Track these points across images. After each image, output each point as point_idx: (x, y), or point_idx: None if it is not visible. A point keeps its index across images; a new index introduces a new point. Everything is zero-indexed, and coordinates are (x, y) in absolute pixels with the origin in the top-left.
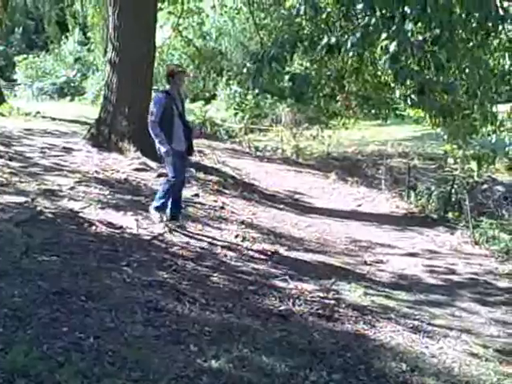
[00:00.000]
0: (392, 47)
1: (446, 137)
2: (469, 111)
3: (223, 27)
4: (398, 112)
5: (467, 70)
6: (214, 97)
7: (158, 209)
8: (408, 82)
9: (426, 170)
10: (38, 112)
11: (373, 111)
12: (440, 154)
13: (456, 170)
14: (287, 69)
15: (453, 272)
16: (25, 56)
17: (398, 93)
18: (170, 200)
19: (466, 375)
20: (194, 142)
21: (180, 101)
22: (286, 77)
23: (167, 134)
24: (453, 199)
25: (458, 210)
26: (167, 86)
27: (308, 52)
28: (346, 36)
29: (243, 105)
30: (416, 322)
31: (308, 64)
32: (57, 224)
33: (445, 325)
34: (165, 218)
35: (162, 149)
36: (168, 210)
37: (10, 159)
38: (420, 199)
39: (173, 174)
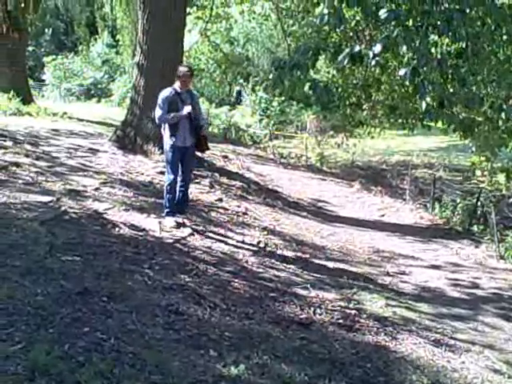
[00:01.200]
0: (415, 61)
1: (474, 148)
2: (497, 124)
3: (251, 33)
4: (424, 122)
5: (494, 84)
6: (239, 102)
7: (169, 214)
8: (430, 95)
9: (452, 181)
10: (65, 113)
11: (399, 121)
12: (466, 165)
13: (483, 182)
14: (313, 76)
15: (476, 286)
16: (54, 57)
17: (424, 104)
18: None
19: None
20: (220, 146)
21: (190, 97)
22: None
23: (171, 129)
24: (478, 212)
25: (483, 223)
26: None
27: (333, 60)
28: (370, 46)
29: (268, 111)
30: (438, 336)
31: (334, 72)
32: (81, 224)
33: (467, 339)
34: (180, 221)
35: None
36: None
37: (37, 159)
38: (445, 211)
39: (168, 173)
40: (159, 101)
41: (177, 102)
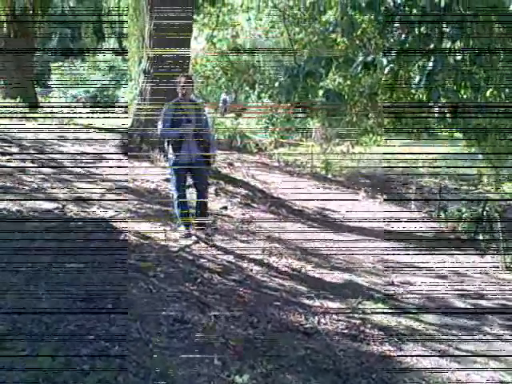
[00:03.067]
0: (430, 65)
1: (480, 156)
2: (506, 131)
3: (257, 40)
4: (430, 131)
5: (507, 90)
6: (245, 109)
7: (181, 226)
8: (442, 102)
9: (457, 190)
10: (71, 119)
11: (405, 129)
12: (472, 174)
13: (489, 191)
14: (321, 84)
15: (482, 296)
16: (60, 63)
17: (435, 112)
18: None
19: None
20: (225, 153)
21: (194, 110)
22: (320, 92)
23: (175, 144)
24: (484, 221)
25: (489, 232)
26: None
27: (342, 68)
28: (382, 53)
29: (274, 118)
30: (443, 346)
31: (341, 80)
32: (86, 231)
33: (472, 350)
34: (191, 231)
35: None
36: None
37: (43, 165)
38: (450, 220)
39: (172, 190)
40: (161, 115)
41: (178, 114)
